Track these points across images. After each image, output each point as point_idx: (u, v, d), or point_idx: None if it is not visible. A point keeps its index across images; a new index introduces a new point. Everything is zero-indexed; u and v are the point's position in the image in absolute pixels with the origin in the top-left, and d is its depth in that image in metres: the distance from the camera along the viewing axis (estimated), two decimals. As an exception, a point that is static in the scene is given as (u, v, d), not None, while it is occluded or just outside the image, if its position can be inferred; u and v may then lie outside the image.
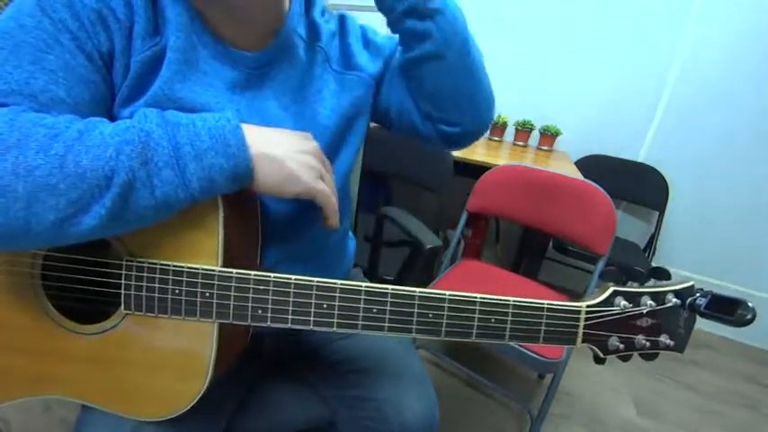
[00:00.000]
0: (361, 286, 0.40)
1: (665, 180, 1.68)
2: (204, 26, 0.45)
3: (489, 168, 1.17)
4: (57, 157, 0.33)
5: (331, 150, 0.54)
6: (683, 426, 1.34)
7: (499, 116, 1.91)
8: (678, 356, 1.76)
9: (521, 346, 0.93)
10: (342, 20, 0.58)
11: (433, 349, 1.41)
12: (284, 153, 0.42)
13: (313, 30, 0.54)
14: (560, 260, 1.80)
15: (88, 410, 0.48)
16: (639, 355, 0.42)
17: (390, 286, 0.40)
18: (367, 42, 0.58)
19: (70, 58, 0.39)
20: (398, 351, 0.61)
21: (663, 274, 0.39)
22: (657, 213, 1.72)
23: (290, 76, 0.51)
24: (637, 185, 1.72)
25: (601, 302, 0.40)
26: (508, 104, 1.94)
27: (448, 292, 0.40)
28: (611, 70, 1.77)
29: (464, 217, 1.21)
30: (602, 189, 1.04)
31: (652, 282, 0.42)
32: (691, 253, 1.84)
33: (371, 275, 1.06)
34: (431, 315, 0.40)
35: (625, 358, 0.42)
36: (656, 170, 1.70)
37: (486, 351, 1.50)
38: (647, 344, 0.40)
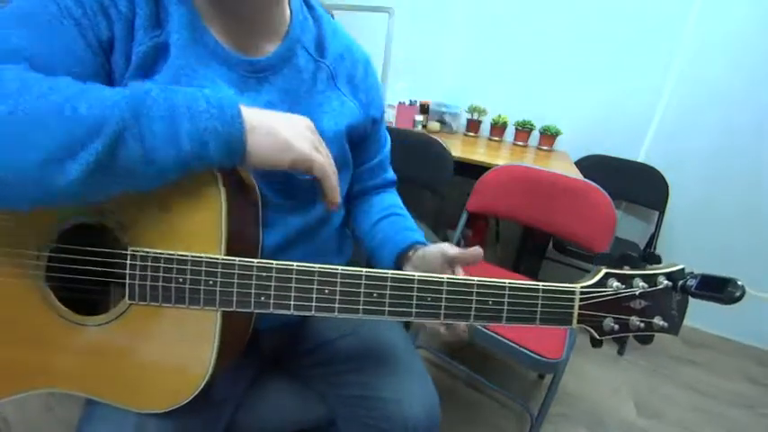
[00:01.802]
0: (361, 271, 0.41)
1: (665, 180, 1.68)
2: (206, 27, 0.47)
3: (489, 168, 1.17)
4: (55, 104, 0.33)
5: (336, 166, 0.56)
6: (682, 426, 1.34)
7: (499, 116, 1.92)
8: (678, 356, 1.76)
9: (521, 345, 0.93)
10: (351, 48, 0.60)
11: (433, 349, 1.41)
12: (279, 124, 0.42)
13: (321, 46, 0.56)
14: (560, 260, 1.80)
15: (91, 409, 0.48)
16: (635, 337, 0.42)
17: (390, 271, 0.41)
18: (370, 84, 0.61)
19: (71, 41, 0.40)
20: (399, 350, 0.62)
21: (654, 259, 0.40)
22: (657, 213, 1.72)
23: (290, 84, 0.53)
24: (637, 185, 1.72)
25: (594, 284, 0.41)
26: (508, 104, 1.94)
27: (446, 276, 0.41)
28: (612, 70, 1.77)
29: (464, 217, 1.21)
30: (602, 189, 1.04)
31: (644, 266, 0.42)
32: (690, 253, 1.84)
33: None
34: (429, 299, 0.41)
35: (621, 341, 0.42)
36: (656, 170, 1.70)
37: (487, 351, 1.50)
38: (642, 325, 0.41)
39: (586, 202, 1.06)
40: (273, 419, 0.62)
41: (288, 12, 0.53)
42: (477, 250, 0.47)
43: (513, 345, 0.94)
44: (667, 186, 1.68)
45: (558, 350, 0.94)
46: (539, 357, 0.92)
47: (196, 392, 0.42)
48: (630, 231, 1.88)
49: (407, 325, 1.38)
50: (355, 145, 0.61)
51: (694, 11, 1.60)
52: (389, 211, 0.65)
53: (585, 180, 1.08)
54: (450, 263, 0.49)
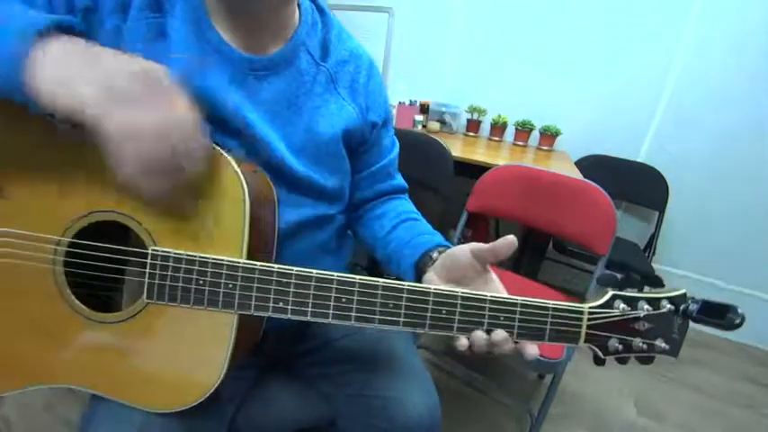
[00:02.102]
0: (378, 282, 0.41)
1: (665, 180, 1.68)
2: (210, 23, 0.47)
3: (489, 168, 1.17)
4: None
5: (329, 166, 0.56)
6: (683, 426, 1.34)
7: (499, 116, 1.92)
8: (679, 356, 1.77)
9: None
10: (355, 53, 0.59)
11: (433, 349, 1.41)
12: (90, 56, 0.32)
13: (325, 49, 0.56)
14: (560, 260, 1.80)
15: (94, 406, 0.48)
16: (636, 358, 0.43)
17: (407, 283, 0.41)
18: (372, 89, 0.60)
19: None
20: (400, 350, 0.62)
21: (657, 282, 0.43)
22: (657, 213, 1.72)
23: (289, 85, 0.52)
24: (637, 185, 1.73)
25: (602, 305, 0.42)
26: (508, 104, 1.94)
27: (460, 290, 0.42)
28: (612, 70, 1.77)
29: (464, 217, 1.21)
30: (602, 189, 1.04)
31: (647, 289, 0.44)
32: (691, 253, 1.84)
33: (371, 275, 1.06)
34: (444, 312, 0.41)
35: (623, 360, 0.43)
36: (656, 170, 1.70)
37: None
38: (644, 346, 0.42)
39: (586, 202, 1.06)
40: (275, 419, 0.62)
41: (297, 14, 0.53)
42: (508, 239, 0.42)
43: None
44: (667, 186, 1.68)
45: (558, 350, 0.94)
46: (539, 357, 0.92)
47: (207, 395, 0.42)
48: (630, 231, 1.88)
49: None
50: (354, 150, 0.61)
51: (694, 11, 1.60)
52: (404, 216, 0.63)
53: (585, 180, 1.08)
54: (481, 258, 0.45)
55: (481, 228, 1.92)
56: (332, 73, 0.56)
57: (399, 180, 0.69)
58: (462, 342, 0.43)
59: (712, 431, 1.34)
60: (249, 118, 0.49)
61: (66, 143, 0.42)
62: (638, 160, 1.79)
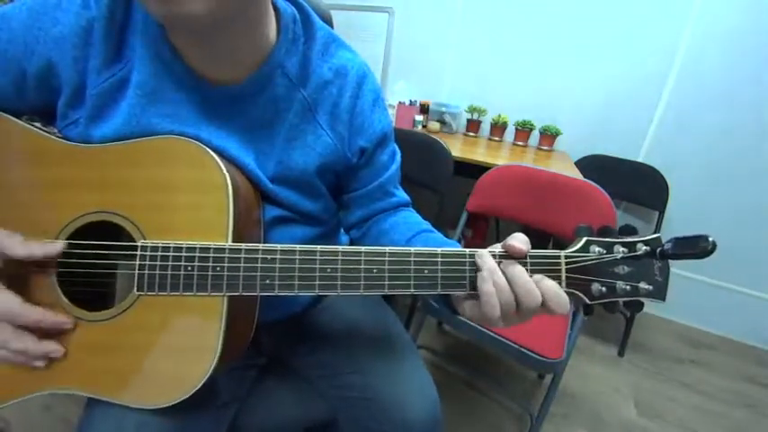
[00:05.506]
0: (360, 249, 0.42)
1: (665, 180, 1.68)
2: (174, 55, 0.44)
3: (489, 168, 1.17)
4: None
5: (307, 193, 0.54)
6: (683, 426, 1.34)
7: (499, 116, 1.92)
8: (678, 356, 1.75)
9: (521, 345, 0.93)
10: (340, 71, 0.53)
11: (433, 349, 1.41)
12: None
13: (305, 69, 0.51)
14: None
15: (90, 410, 0.48)
16: (624, 304, 0.43)
17: (388, 248, 0.42)
18: (360, 110, 0.55)
19: None
20: (399, 351, 0.62)
21: (631, 231, 0.44)
22: (657, 213, 1.72)
23: (263, 114, 0.50)
24: (637, 185, 1.72)
25: (577, 249, 0.43)
26: (508, 104, 1.94)
27: (440, 249, 0.43)
28: (612, 70, 1.77)
29: (464, 217, 1.21)
30: (602, 189, 1.04)
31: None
32: (691, 253, 1.84)
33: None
34: (426, 271, 0.42)
35: (611, 307, 0.43)
36: (656, 170, 1.70)
37: (486, 351, 1.50)
38: (628, 288, 0.42)
39: (586, 203, 1.06)
40: (276, 418, 0.62)
41: (271, 32, 0.47)
42: (517, 250, 0.41)
43: (513, 345, 0.94)
44: (667, 186, 1.68)
45: (558, 350, 0.94)
46: (539, 357, 0.92)
47: (202, 383, 0.42)
48: (630, 231, 1.87)
49: (408, 325, 1.38)
50: (340, 173, 0.57)
51: (694, 11, 1.60)
52: (417, 228, 0.58)
53: (585, 180, 1.08)
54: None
55: (481, 228, 1.93)
56: (310, 101, 0.51)
57: (400, 196, 0.64)
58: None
59: (712, 431, 1.34)
60: (226, 148, 0.48)
61: (55, 151, 0.44)
62: (638, 160, 1.79)
